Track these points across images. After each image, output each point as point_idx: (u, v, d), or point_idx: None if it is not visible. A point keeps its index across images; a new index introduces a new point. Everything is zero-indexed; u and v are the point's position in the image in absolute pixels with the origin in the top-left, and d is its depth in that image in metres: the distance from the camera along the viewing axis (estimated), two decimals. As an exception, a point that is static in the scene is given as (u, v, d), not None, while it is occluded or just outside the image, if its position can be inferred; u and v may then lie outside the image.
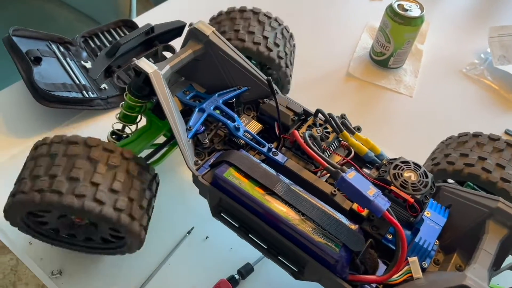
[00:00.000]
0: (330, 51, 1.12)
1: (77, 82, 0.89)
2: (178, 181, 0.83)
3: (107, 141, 0.73)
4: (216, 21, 0.86)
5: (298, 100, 0.75)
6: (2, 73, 1.04)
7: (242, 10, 0.85)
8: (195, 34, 0.72)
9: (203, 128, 0.69)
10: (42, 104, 0.83)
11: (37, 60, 0.85)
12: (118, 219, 0.59)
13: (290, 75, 0.87)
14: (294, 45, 0.90)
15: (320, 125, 0.70)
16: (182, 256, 0.74)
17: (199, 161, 0.66)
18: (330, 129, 0.69)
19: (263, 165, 0.63)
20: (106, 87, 0.93)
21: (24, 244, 0.72)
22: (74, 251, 0.71)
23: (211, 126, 0.71)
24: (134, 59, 0.65)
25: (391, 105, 1.02)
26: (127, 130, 0.75)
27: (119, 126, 0.74)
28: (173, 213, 0.78)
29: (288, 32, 0.87)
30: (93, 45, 0.97)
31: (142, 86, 0.67)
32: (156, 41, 0.80)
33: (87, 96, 0.88)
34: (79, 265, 0.72)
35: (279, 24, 0.86)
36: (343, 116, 0.72)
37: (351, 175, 0.56)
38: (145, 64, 0.64)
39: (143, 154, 0.74)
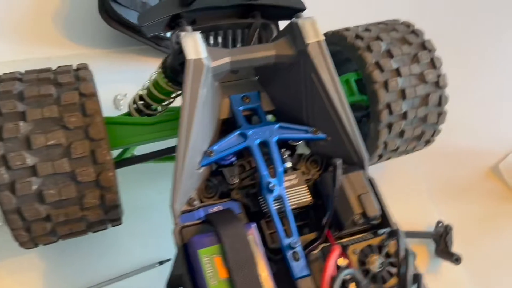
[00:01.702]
0: (480, 127, 0.81)
1: (162, 9, 0.71)
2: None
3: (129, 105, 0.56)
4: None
5: (402, 178, 0.50)
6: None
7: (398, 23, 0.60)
8: (294, 33, 0.48)
9: (234, 159, 0.48)
10: (103, 18, 0.67)
11: (128, -35, 0.69)
12: None
13: (388, 127, 0.58)
14: (442, 99, 0.60)
15: (388, 255, 0.44)
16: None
17: (196, 202, 0.46)
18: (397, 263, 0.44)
19: (265, 267, 0.40)
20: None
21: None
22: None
23: (245, 162, 0.49)
24: (188, 28, 0.45)
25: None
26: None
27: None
28: (158, 230, 0.60)
29: (435, 67, 0.58)
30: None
31: (177, 70, 0.46)
32: (256, 11, 0.57)
33: (160, 31, 0.70)
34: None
35: (426, 49, 0.58)
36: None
37: None
38: (191, 42, 0.43)
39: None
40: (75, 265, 0.59)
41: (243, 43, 0.78)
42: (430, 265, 0.71)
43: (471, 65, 0.92)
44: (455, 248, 0.67)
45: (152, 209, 0.60)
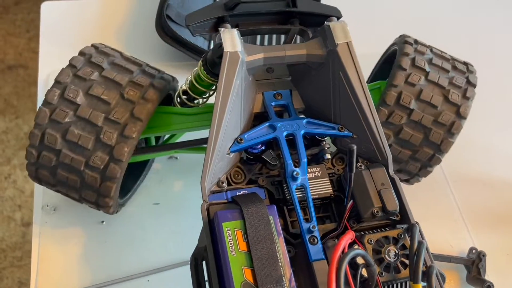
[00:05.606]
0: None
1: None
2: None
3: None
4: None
5: (437, 203, 0.53)
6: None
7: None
8: (325, 35, 0.52)
9: (263, 147, 0.52)
10: (158, 34, 0.74)
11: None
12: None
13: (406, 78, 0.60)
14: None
15: (403, 247, 0.45)
16: (171, 282, 0.61)
17: (224, 184, 0.50)
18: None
19: (282, 244, 0.43)
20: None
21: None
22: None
23: (275, 155, 0.53)
24: (228, 25, 0.50)
25: None
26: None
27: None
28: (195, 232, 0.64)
29: (470, 82, 0.60)
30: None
31: (216, 62, 0.51)
32: (295, 18, 0.62)
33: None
34: (77, 218, 0.65)
35: (464, 66, 0.60)
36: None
37: None
38: (229, 37, 0.48)
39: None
40: (114, 256, 0.63)
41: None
42: (460, 292, 0.69)
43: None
44: (487, 278, 0.65)
45: (193, 212, 0.63)
